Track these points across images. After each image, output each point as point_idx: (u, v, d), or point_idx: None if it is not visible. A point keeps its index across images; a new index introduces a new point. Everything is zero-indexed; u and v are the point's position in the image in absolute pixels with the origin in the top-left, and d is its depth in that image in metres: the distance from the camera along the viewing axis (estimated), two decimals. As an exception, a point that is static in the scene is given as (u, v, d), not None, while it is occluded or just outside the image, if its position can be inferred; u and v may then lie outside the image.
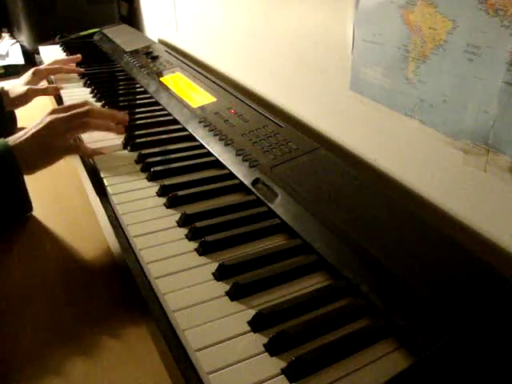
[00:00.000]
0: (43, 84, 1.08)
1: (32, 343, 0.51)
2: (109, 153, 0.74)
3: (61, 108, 0.75)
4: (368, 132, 0.68)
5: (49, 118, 0.70)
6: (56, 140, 0.69)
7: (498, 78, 0.47)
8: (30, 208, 0.70)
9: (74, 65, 1.15)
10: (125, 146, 0.76)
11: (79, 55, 1.18)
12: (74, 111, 0.73)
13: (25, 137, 0.68)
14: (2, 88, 0.98)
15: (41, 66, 1.11)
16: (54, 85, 1.05)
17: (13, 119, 0.97)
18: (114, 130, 0.78)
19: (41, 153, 0.68)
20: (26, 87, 0.99)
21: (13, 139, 0.68)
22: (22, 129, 0.71)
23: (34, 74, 1.05)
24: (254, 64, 0.95)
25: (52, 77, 1.12)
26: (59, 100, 1.01)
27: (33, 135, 0.68)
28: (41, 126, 0.69)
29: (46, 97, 1.08)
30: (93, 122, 0.73)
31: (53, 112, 0.73)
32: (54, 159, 0.70)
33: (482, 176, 0.52)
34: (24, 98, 0.99)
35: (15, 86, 1.01)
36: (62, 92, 1.02)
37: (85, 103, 0.76)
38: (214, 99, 0.84)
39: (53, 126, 0.70)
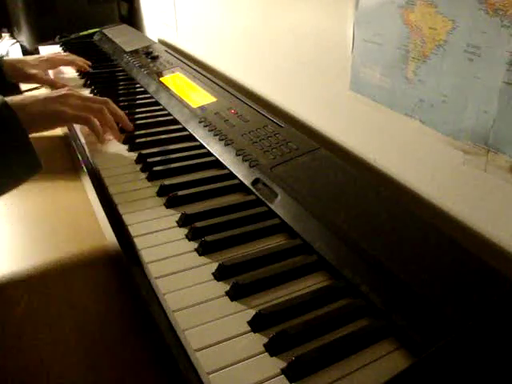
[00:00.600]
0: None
1: (32, 342, 0.51)
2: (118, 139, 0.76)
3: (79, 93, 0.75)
4: (368, 132, 0.68)
5: (65, 91, 0.71)
6: (65, 107, 0.69)
7: (498, 78, 0.47)
8: (40, 166, 0.63)
9: (86, 66, 1.14)
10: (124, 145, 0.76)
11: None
12: (93, 97, 0.75)
13: (33, 98, 0.67)
14: (2, 56, 0.96)
15: (56, 56, 1.09)
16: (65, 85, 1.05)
17: (17, 93, 0.96)
18: (116, 134, 0.76)
19: (46, 115, 0.67)
20: (36, 71, 0.98)
21: (20, 97, 0.67)
22: None
23: (47, 60, 1.04)
24: (254, 64, 0.95)
25: (51, 74, 1.11)
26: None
27: (44, 98, 0.68)
28: (55, 93, 0.70)
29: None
30: (106, 114, 0.73)
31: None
32: (58, 124, 0.71)
33: (482, 176, 0.52)
34: (27, 78, 0.98)
35: (28, 62, 1.00)
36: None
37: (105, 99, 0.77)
38: (214, 99, 0.84)
39: (67, 96, 0.70)
